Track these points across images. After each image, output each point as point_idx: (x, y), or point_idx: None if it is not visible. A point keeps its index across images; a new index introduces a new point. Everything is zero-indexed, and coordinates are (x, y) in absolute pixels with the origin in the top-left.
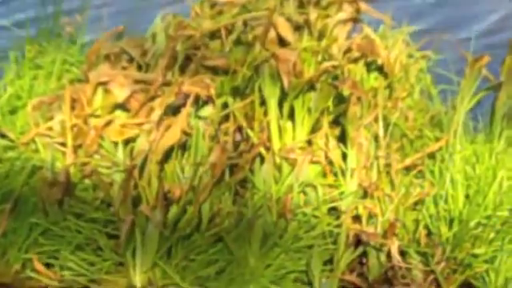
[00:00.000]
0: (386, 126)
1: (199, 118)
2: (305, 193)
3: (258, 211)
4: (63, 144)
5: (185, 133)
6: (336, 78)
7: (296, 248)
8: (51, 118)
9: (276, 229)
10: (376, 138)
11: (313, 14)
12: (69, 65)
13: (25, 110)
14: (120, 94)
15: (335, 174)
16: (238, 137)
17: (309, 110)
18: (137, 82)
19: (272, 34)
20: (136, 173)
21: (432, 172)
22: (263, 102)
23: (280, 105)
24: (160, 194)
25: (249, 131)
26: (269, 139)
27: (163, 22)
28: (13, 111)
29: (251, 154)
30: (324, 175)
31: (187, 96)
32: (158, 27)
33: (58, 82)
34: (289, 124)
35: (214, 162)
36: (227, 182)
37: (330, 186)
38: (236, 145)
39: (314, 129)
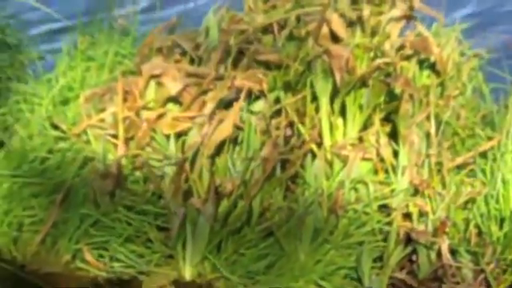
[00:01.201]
0: (438, 124)
1: (251, 112)
2: (356, 189)
3: (309, 207)
4: (115, 136)
5: (237, 127)
6: (388, 75)
7: (346, 244)
8: (103, 110)
9: (326, 225)
10: (427, 135)
11: (366, 10)
12: (121, 57)
13: (76, 101)
14: (173, 87)
15: (386, 171)
16: (289, 132)
17: (360, 107)
18: (189, 75)
19: (325, 29)
20: (187, 166)
21: (483, 171)
22: (315, 98)
23: (331, 101)
24: (211, 187)
25: (300, 127)
26: (320, 135)
27: (216, 16)
28: (64, 102)
29: (303, 150)
30: (375, 172)
31: (239, 90)
32: (211, 21)
33: (111, 74)
34: (340, 120)
35: (265, 156)
36: (278, 177)
37: (381, 183)
38: (287, 140)
39: (366, 125)
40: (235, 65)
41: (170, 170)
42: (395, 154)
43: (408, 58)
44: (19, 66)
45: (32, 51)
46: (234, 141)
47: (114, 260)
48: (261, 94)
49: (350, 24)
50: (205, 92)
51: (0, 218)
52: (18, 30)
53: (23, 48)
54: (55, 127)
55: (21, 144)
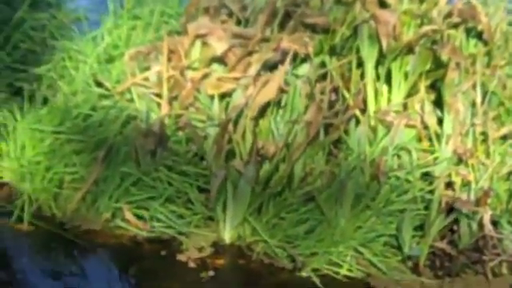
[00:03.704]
0: (484, 93)
1: (295, 75)
2: (399, 156)
3: (351, 172)
4: (158, 95)
5: (281, 90)
6: (435, 42)
7: (387, 211)
8: (148, 69)
9: (368, 191)
10: (473, 105)
11: None
12: (167, 16)
13: (121, 59)
14: (218, 47)
15: (430, 139)
16: (334, 96)
17: (406, 74)
18: (235, 36)
19: None
20: (230, 127)
21: None
22: (360, 63)
23: (377, 67)
24: (254, 149)
25: (344, 92)
26: (364, 101)
27: None
28: (109, 60)
29: (347, 115)
30: (419, 139)
31: (285, 52)
32: None
33: (156, 33)
34: (385, 87)
35: (309, 120)
36: (321, 141)
37: (425, 150)
38: (331, 104)
39: (410, 92)
40: (281, 27)
41: (212, 131)
42: (440, 122)
43: (455, 25)
44: (61, 25)
45: (73, 10)
46: (278, 103)
47: (154, 220)
48: (306, 58)
49: None
50: (250, 53)
51: (41, 174)
52: None
53: (64, 7)
54: (99, 85)
55: (64, 101)
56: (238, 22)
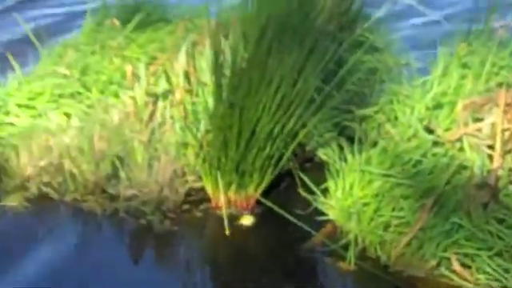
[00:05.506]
0: None
1: None
2: None
3: None
4: (491, 147)
5: None
6: None
7: None
8: (480, 119)
9: None
10: None
11: None
12: (498, 68)
13: (449, 107)
14: None
15: None
16: None
17: None
18: None
19: None
20: None
21: None
22: None
23: None
24: None
25: None
26: None
27: None
28: (437, 107)
29: None
30: None
31: None
32: None
33: (486, 84)
34: None
35: None
36: None
37: None
38: None
39: None
40: None
41: None
42: None
43: None
44: (390, 69)
45: (399, 55)
46: None
47: (480, 272)
48: None
49: None
50: None
51: (369, 216)
52: (386, 33)
53: (391, 51)
54: (429, 131)
55: (394, 145)
56: None
